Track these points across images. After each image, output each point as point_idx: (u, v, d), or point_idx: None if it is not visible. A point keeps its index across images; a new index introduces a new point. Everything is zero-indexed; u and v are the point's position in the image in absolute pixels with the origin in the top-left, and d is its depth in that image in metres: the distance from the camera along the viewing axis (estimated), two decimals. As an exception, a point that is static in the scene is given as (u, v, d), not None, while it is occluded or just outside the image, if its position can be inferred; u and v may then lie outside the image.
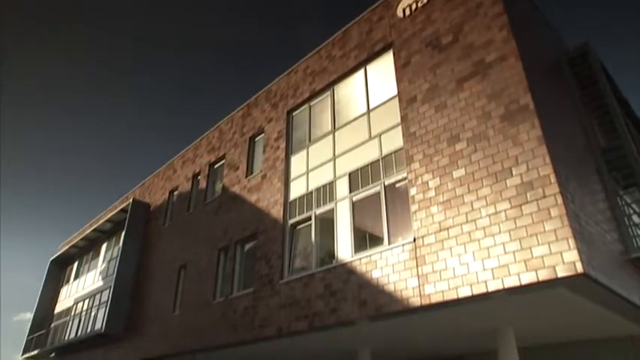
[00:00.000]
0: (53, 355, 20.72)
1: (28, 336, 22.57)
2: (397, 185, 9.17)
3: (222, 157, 15.42)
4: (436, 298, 7.33)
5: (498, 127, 7.53)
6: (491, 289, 6.68)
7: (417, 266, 7.81)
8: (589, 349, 10.23)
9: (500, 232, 6.88)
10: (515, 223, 6.74)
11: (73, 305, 20.27)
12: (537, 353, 10.55)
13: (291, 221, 11.32)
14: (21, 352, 22.57)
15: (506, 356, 8.64)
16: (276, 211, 11.69)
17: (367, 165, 9.96)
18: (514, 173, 7.03)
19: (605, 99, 9.81)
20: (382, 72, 10.61)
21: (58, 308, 22.59)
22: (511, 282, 6.49)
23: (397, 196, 9.09)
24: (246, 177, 13.61)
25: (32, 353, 21.63)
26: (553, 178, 6.54)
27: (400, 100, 9.59)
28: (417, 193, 8.35)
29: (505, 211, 6.93)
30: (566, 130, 8.46)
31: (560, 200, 6.36)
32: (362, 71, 11.21)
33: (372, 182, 9.69)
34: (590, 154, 9.12)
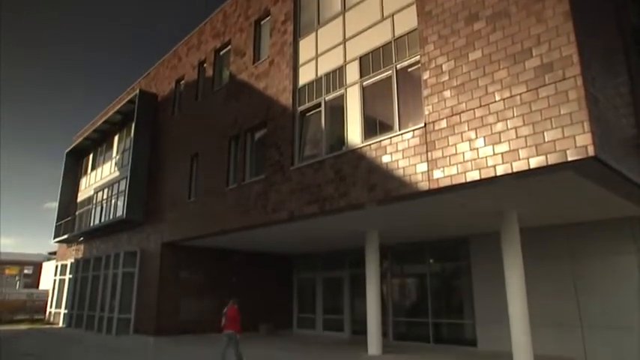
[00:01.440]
0: (82, 239, 22.24)
1: (56, 222, 24.10)
2: (409, 70, 8.82)
3: (228, 43, 14.79)
4: (444, 183, 7.46)
5: (522, 3, 6.96)
6: (499, 173, 6.75)
7: (426, 151, 7.83)
8: (588, 229, 10.65)
9: (513, 116, 6.73)
10: (530, 107, 6.56)
11: (94, 194, 21.21)
12: (538, 233, 11.04)
13: (301, 108, 11.18)
14: (52, 236, 24.32)
15: (509, 237, 9.07)
16: (285, 98, 11.50)
17: (379, 48, 9.49)
18: (534, 54, 6.66)
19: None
20: (397, -58, 9.57)
21: (80, 197, 23.72)
22: (520, 166, 6.51)
23: (409, 81, 8.80)
24: (254, 63, 13.17)
25: (62, 238, 23.28)
26: (576, 59, 6.19)
27: (416, -25, 8.79)
28: (429, 77, 8.05)
29: (520, 94, 6.71)
30: (595, 6, 7.80)
31: (580, 82, 6.09)
32: (375, -59, 10.12)
33: (383, 66, 9.32)
34: (618, 34, 8.54)
